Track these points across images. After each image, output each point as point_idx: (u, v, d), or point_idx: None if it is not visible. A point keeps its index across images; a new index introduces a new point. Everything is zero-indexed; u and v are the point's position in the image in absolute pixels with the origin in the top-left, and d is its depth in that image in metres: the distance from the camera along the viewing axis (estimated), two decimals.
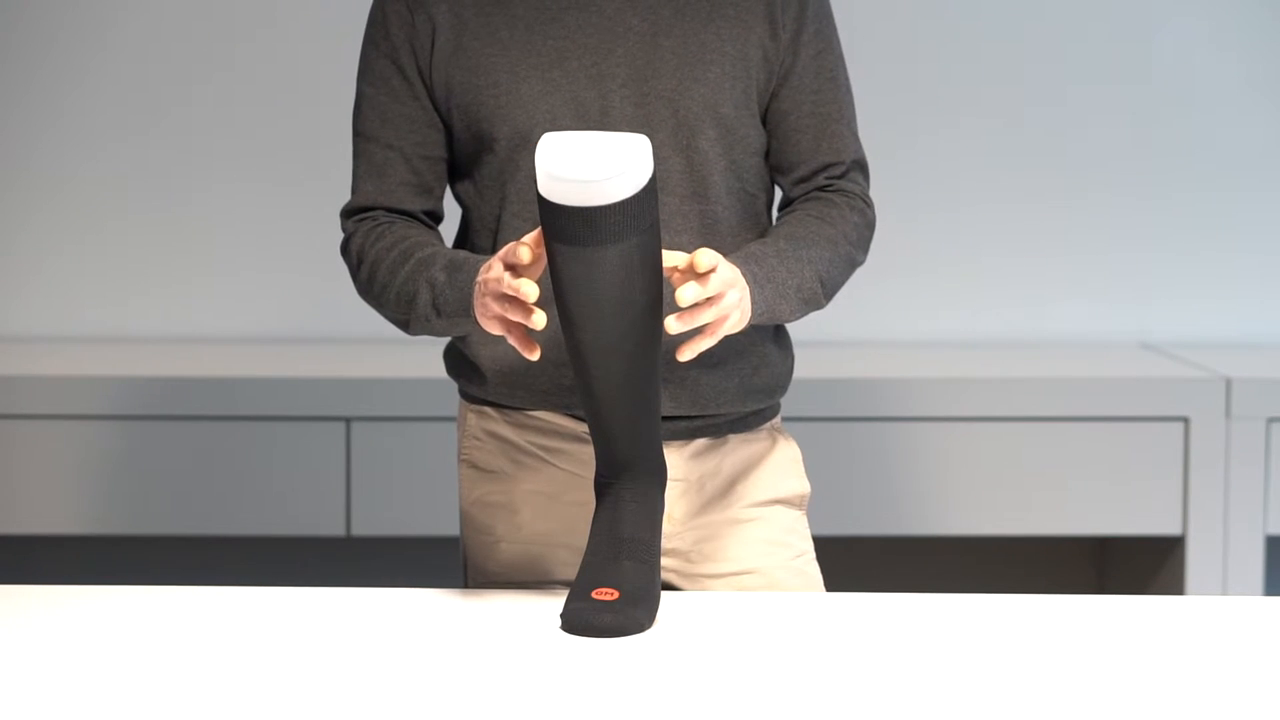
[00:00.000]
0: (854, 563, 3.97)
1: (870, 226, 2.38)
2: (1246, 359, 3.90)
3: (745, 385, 2.38)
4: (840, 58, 2.38)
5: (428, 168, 2.35)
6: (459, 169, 2.37)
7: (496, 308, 2.13)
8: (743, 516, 2.40)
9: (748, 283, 2.18)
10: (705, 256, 2.09)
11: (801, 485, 2.46)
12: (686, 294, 2.08)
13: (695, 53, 2.29)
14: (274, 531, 3.63)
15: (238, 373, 3.66)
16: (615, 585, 2.10)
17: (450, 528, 3.28)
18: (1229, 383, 3.66)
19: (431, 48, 2.32)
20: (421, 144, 2.34)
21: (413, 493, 3.59)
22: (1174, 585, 3.70)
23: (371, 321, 2.81)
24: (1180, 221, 4.13)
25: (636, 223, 2.02)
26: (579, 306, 2.05)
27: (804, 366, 2.70)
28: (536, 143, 2.10)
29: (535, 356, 2.13)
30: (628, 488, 2.17)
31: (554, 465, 2.38)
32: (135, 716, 1.80)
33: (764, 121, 2.36)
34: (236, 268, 4.06)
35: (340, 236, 2.38)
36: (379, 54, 2.34)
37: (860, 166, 2.39)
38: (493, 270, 2.13)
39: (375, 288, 2.31)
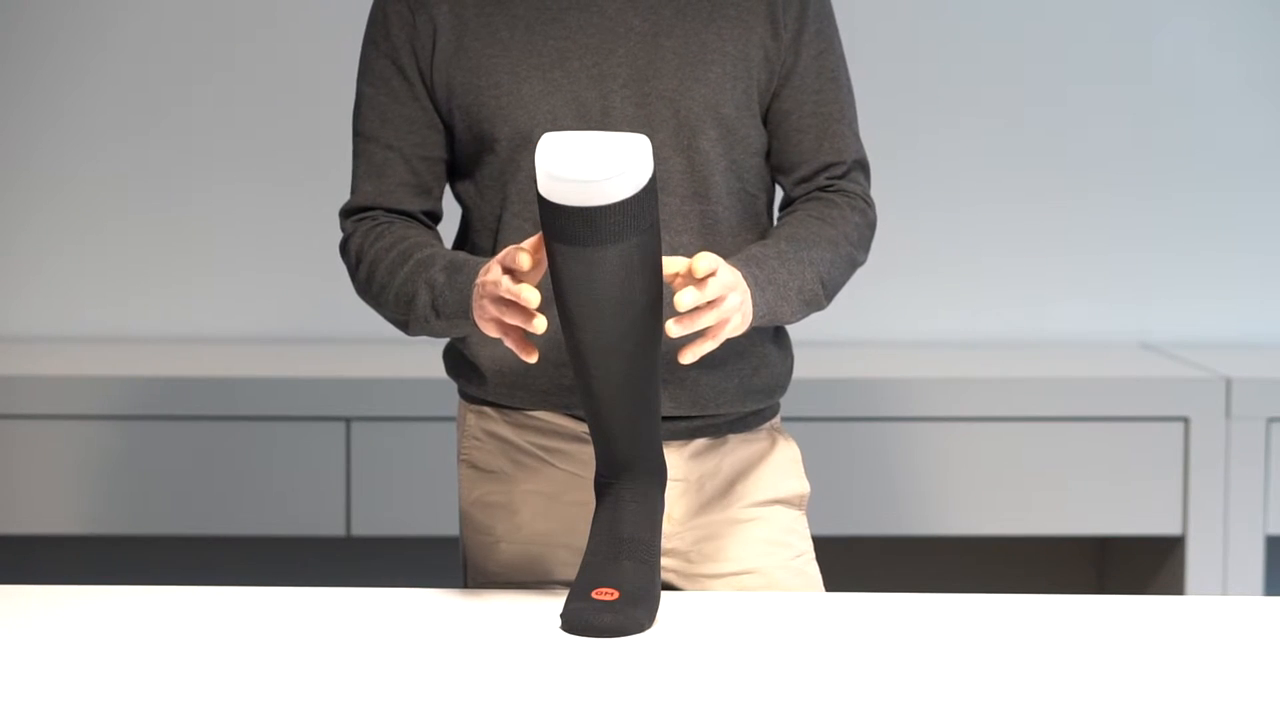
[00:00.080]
0: (854, 563, 3.97)
1: (871, 226, 2.38)
2: (1246, 359, 3.90)
3: (745, 385, 2.38)
4: (841, 58, 2.37)
5: (427, 168, 2.35)
6: (460, 169, 2.37)
7: (494, 311, 2.13)
8: (742, 516, 2.40)
9: (749, 285, 2.18)
10: (703, 261, 2.09)
11: (801, 485, 2.46)
12: (685, 299, 2.08)
13: (696, 53, 2.29)
14: (274, 531, 3.63)
15: (238, 373, 3.66)
16: (615, 585, 2.10)
17: (450, 528, 3.28)
18: (1229, 383, 3.66)
19: (432, 48, 2.31)
20: (421, 144, 2.34)
21: (413, 493, 3.59)
22: (1174, 585, 3.70)
23: (371, 321, 2.81)
24: (1180, 221, 4.13)
25: (636, 223, 2.02)
26: (579, 306, 2.05)
27: (804, 366, 2.70)
28: (537, 143, 2.10)
29: (533, 359, 2.13)
30: (628, 488, 2.16)
31: (554, 465, 2.38)
32: (135, 716, 1.80)
33: (765, 121, 2.36)
34: (236, 268, 4.06)
35: (340, 236, 2.38)
36: (379, 54, 2.34)
37: (861, 166, 2.39)
38: (491, 273, 2.13)
39: (374, 288, 2.31)
